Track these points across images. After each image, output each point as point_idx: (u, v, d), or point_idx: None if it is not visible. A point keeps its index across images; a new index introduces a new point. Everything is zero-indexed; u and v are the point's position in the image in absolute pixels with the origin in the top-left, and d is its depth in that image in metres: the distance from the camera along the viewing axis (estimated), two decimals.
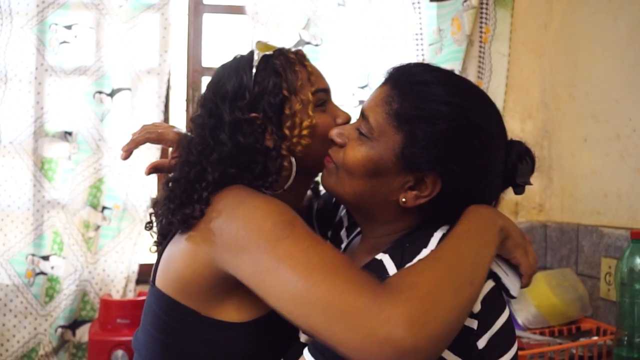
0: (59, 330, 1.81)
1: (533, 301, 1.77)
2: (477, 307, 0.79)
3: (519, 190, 0.93)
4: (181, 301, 0.91)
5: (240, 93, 0.95)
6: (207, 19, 2.07)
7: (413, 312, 0.68)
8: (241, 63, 0.99)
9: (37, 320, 1.82)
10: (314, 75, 1.01)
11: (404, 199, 0.87)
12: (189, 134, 1.02)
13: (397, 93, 0.89)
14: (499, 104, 2.07)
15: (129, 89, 1.89)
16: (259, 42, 1.01)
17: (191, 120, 1.01)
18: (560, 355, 1.57)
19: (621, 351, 1.50)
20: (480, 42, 2.04)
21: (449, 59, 1.98)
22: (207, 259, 0.87)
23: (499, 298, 0.85)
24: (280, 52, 1.00)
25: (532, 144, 2.22)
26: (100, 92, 1.87)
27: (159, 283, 0.94)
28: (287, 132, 0.95)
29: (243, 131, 0.94)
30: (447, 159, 0.84)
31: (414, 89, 0.88)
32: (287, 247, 0.80)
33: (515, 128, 2.09)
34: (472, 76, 2.02)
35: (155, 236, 1.04)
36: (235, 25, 2.17)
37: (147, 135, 1.09)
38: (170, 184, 0.95)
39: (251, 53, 0.99)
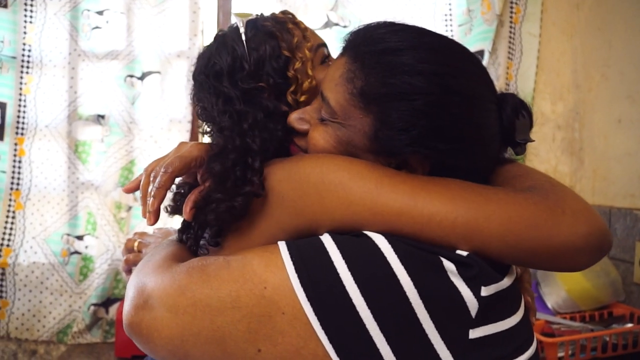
0: (92, 308, 1.66)
1: (564, 285, 1.57)
2: None
3: (520, 149, 0.73)
4: None
5: (235, 66, 0.75)
6: (236, 1, 1.88)
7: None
8: (227, 37, 0.78)
9: (72, 298, 1.67)
10: (308, 31, 0.80)
11: None
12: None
13: (358, 67, 0.65)
14: (530, 85, 1.85)
15: (158, 72, 1.72)
16: (236, 13, 0.82)
17: (198, 114, 0.79)
18: (592, 343, 1.37)
19: None
20: (511, 22, 1.81)
21: (478, 40, 1.77)
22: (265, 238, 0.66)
23: None
24: (268, 15, 0.81)
25: (563, 125, 1.97)
26: (131, 76, 1.71)
27: None
28: (290, 97, 0.75)
29: (255, 102, 0.73)
30: (430, 138, 0.63)
31: (380, 60, 0.65)
32: (406, 181, 0.62)
33: (546, 110, 1.86)
34: (502, 57, 1.79)
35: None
36: (263, 8, 1.97)
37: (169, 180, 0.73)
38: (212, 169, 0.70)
39: (235, 24, 0.80)
